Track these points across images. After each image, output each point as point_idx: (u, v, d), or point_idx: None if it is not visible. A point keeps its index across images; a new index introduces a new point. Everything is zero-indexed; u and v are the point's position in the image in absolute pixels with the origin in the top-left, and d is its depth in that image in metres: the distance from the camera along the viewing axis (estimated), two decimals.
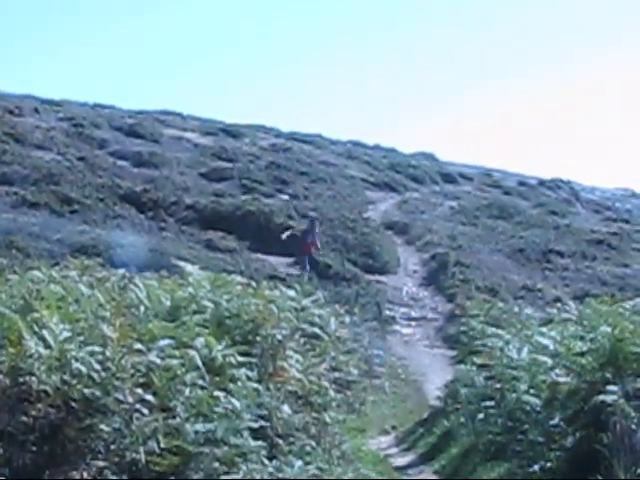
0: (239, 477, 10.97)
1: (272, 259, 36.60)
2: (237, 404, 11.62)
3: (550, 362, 12.64)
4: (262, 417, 12.45)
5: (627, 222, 56.28)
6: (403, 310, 36.69)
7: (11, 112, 53.34)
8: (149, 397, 10.22)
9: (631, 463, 8.40)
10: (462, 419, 18.46)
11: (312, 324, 19.10)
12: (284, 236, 29.74)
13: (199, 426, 10.77)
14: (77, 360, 9.55)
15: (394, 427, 23.29)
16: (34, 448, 9.24)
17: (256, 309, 15.30)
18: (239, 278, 18.98)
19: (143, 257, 28.60)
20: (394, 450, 20.78)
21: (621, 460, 8.60)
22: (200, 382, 11.39)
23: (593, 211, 59.53)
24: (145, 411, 10.13)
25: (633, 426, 8.78)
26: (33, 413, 9.31)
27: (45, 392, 9.34)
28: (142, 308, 13.00)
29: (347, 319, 25.09)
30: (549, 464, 10.40)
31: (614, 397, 9.14)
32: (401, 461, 19.24)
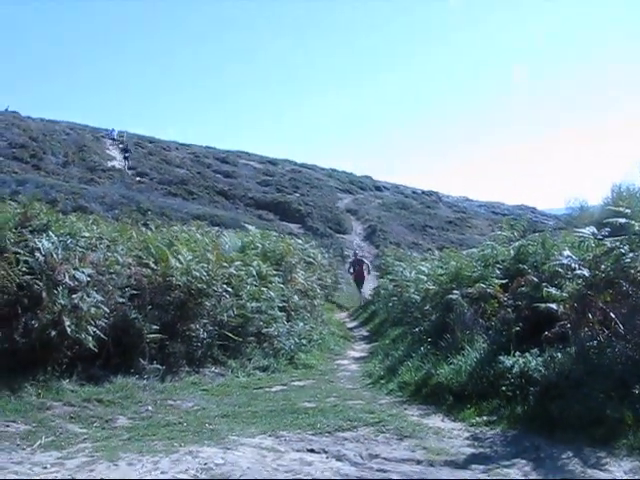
0: (272, 329, 11.09)
1: (291, 225, 36.62)
2: (272, 294, 11.69)
3: (425, 278, 12.72)
4: (284, 301, 12.55)
5: (464, 213, 56.56)
6: (352, 252, 36.81)
7: (164, 149, 53.34)
8: (229, 289, 10.25)
9: (463, 328, 8.44)
10: (381, 305, 18.58)
11: (309, 256, 19.32)
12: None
13: (253, 304, 10.82)
14: (195, 270, 9.57)
15: (347, 308, 23.32)
16: (172, 312, 9.25)
17: (282, 248, 15.38)
18: (274, 233, 19.07)
19: (227, 222, 28.57)
20: (347, 319, 20.80)
21: (458, 327, 8.64)
22: (255, 283, 11.44)
23: (448, 207, 59.48)
24: (227, 296, 10.16)
25: (465, 310, 8.79)
26: (172, 295, 9.32)
27: (179, 285, 9.35)
28: (227, 246, 13.05)
29: (326, 255, 25.17)
30: (423, 328, 10.46)
31: (456, 296, 9.16)
32: (350, 325, 19.31)
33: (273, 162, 63.38)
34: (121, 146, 46.60)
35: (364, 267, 24.08)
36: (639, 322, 6.34)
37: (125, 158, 43.67)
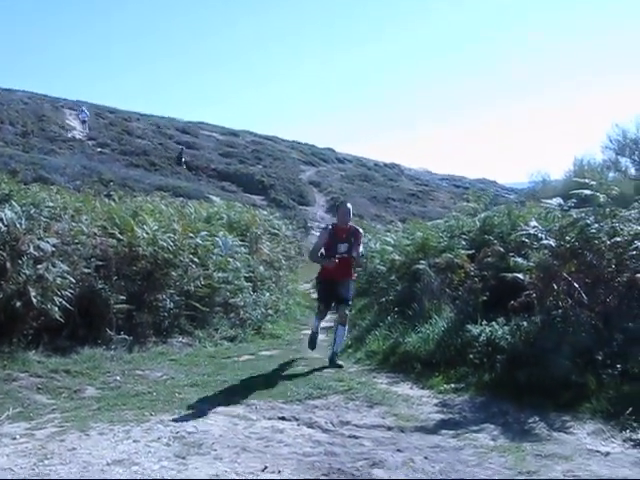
0: (238, 300, 11.04)
1: (254, 197, 36.45)
2: (238, 264, 11.65)
3: (391, 249, 12.74)
4: (250, 272, 12.51)
5: (426, 185, 56.81)
6: (317, 224, 36.75)
7: (125, 119, 52.54)
8: (196, 260, 10.17)
9: (430, 298, 8.48)
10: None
11: (273, 227, 19.31)
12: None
13: (220, 274, 10.76)
14: (161, 240, 9.47)
15: (312, 280, 23.33)
16: (139, 283, 9.15)
17: (247, 218, 15.32)
18: (239, 204, 18.98)
19: (190, 193, 28.33)
20: (312, 290, 20.82)
21: (425, 296, 8.68)
22: (221, 253, 11.36)
23: (410, 180, 59.72)
24: (194, 266, 10.08)
25: (432, 280, 8.82)
26: (139, 266, 9.22)
27: (145, 255, 9.25)
28: (192, 216, 12.93)
29: (290, 226, 25.13)
30: (390, 298, 10.46)
31: (423, 266, 9.19)
32: (316, 295, 19.33)
33: (235, 133, 62.95)
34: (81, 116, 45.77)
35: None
36: (602, 292, 6.43)
37: (83, 122, 43.26)
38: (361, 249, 8.25)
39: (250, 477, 4.08)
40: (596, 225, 6.76)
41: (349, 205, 8.39)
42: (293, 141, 68.71)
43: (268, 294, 12.86)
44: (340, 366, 7.83)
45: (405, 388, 6.68)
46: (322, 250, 8.24)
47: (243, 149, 53.57)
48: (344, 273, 8.10)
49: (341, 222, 8.23)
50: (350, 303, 8.56)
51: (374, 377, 7.14)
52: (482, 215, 9.89)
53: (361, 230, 8.40)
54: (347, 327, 8.49)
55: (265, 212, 21.70)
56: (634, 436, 4.70)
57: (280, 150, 59.24)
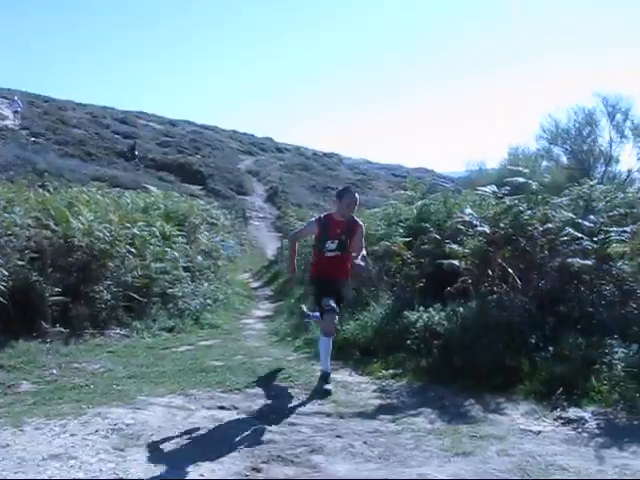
0: (176, 290, 10.97)
1: (193, 187, 36.10)
2: (176, 254, 11.56)
3: None
4: (188, 262, 12.43)
5: (365, 174, 57.12)
6: (255, 213, 36.72)
7: (60, 109, 51.40)
8: (133, 250, 10.05)
9: (368, 285, 8.54)
10: (285, 265, 18.64)
11: (212, 217, 19.19)
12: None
13: (157, 265, 10.66)
14: (97, 231, 9.33)
15: (251, 269, 23.37)
16: (75, 274, 9.01)
17: (185, 208, 15.22)
18: (176, 194, 18.81)
19: (127, 183, 27.91)
20: (251, 280, 20.87)
21: (363, 284, 8.73)
22: (158, 243, 11.25)
23: (349, 169, 59.96)
24: (131, 257, 9.97)
25: (370, 267, 8.86)
26: (75, 257, 9.09)
27: (81, 246, 9.11)
28: (129, 206, 12.77)
29: (229, 216, 25.03)
30: None
31: None
32: (254, 285, 19.40)
33: (173, 123, 62.46)
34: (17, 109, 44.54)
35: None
36: (535, 277, 6.59)
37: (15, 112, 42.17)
38: (364, 253, 6.47)
39: (192, 468, 4.06)
40: (529, 212, 6.96)
41: (357, 194, 6.46)
42: (232, 131, 68.44)
43: (207, 284, 12.82)
44: (328, 392, 5.95)
45: (344, 375, 6.72)
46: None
47: (181, 138, 53.10)
48: (341, 272, 6.44)
49: (342, 214, 6.35)
50: (342, 306, 6.79)
51: (313, 365, 7.16)
52: (419, 203, 10.00)
53: (362, 223, 6.60)
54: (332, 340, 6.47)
55: (203, 202, 21.57)
56: (564, 415, 4.90)
57: (219, 140, 58.97)
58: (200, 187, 37.54)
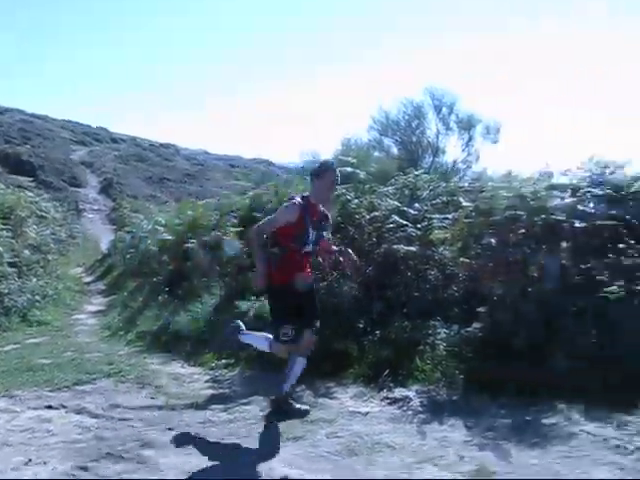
0: (2, 287, 10.47)
1: (21, 178, 34.47)
2: (1, 249, 11.03)
3: (162, 229, 12.70)
4: (15, 256, 11.90)
5: (203, 165, 56.76)
6: (89, 206, 35.70)
7: None
8: None
9: (200, 276, 8.58)
10: (119, 258, 18.27)
11: (41, 210, 18.48)
12: None
13: None
14: None
15: (84, 263, 22.71)
16: None
17: (11, 200, 14.51)
18: (1, 186, 17.90)
19: None
20: (84, 274, 20.28)
21: (195, 274, 8.77)
22: None
23: (186, 160, 59.34)
24: None
25: (202, 258, 8.91)
26: None
27: None
28: None
29: (60, 209, 24.19)
30: (161, 278, 10.51)
31: (193, 245, 9.26)
32: (88, 279, 18.89)
33: (0, 111, 59.01)
34: None
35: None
36: (364, 264, 6.83)
37: None
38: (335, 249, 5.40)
39: (13, 474, 3.92)
40: (356, 200, 7.21)
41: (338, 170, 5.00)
42: (64, 120, 65.74)
43: (35, 279, 12.31)
44: (307, 411, 4.97)
45: (176, 367, 6.72)
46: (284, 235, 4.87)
47: (9, 127, 50.41)
48: (310, 273, 5.17)
49: (321, 197, 4.95)
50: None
51: (145, 358, 7.10)
52: (251, 193, 10.13)
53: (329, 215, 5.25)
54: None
55: (32, 194, 20.62)
56: (390, 395, 5.12)
57: (49, 129, 56.50)
58: (30, 179, 35.88)
